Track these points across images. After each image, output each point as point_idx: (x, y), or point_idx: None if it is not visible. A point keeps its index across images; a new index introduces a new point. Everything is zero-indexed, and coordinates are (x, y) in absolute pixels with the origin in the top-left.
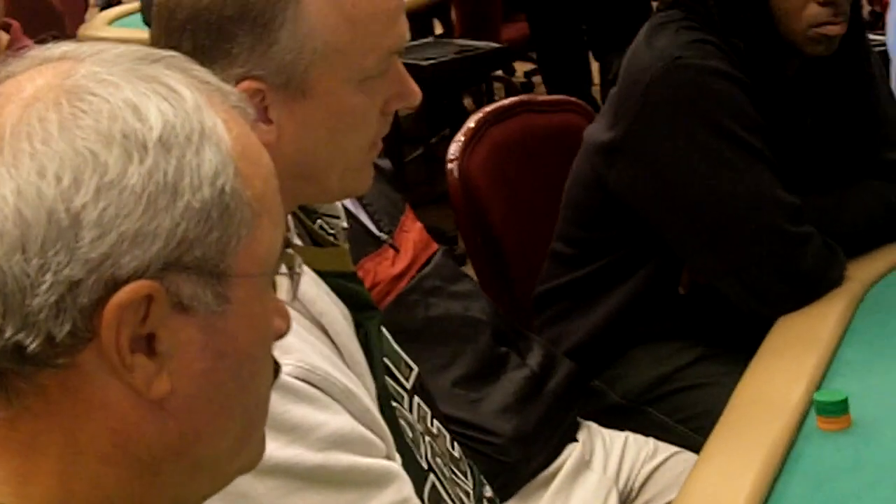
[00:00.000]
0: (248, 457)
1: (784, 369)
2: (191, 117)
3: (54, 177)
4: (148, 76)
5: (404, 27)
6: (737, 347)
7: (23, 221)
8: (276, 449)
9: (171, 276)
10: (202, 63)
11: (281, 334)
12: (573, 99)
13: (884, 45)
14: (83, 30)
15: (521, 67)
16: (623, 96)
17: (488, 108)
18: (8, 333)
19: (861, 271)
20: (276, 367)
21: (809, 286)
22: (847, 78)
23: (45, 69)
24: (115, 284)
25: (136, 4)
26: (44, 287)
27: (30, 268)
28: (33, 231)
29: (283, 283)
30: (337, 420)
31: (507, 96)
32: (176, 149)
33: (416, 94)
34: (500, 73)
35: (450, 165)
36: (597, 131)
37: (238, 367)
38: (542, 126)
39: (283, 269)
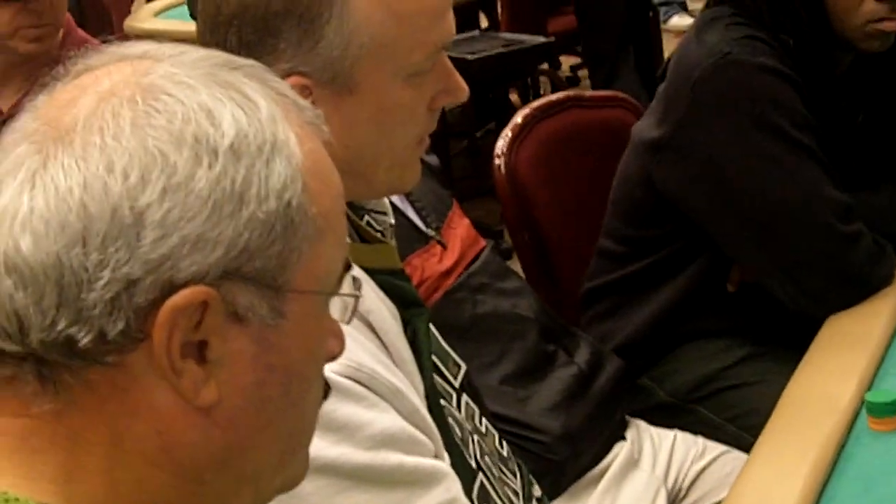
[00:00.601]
0: (289, 475)
1: (834, 369)
2: (264, 128)
3: (122, 173)
4: (226, 83)
5: (451, 22)
6: (786, 345)
7: (86, 215)
8: (324, 448)
9: (229, 285)
10: (248, 58)
11: (333, 356)
12: (621, 95)
13: None
14: (129, 21)
15: (566, 61)
16: (672, 93)
17: (536, 104)
18: (60, 325)
19: None
20: (326, 389)
21: (859, 285)
22: None
23: (124, 66)
24: (171, 287)
25: None
26: (101, 283)
27: (88, 262)
28: (96, 225)
29: (337, 303)
30: (384, 419)
31: (552, 90)
32: (246, 157)
33: (463, 90)
34: (545, 66)
35: (497, 161)
36: (645, 128)
37: (287, 383)
38: (589, 122)
39: (344, 289)
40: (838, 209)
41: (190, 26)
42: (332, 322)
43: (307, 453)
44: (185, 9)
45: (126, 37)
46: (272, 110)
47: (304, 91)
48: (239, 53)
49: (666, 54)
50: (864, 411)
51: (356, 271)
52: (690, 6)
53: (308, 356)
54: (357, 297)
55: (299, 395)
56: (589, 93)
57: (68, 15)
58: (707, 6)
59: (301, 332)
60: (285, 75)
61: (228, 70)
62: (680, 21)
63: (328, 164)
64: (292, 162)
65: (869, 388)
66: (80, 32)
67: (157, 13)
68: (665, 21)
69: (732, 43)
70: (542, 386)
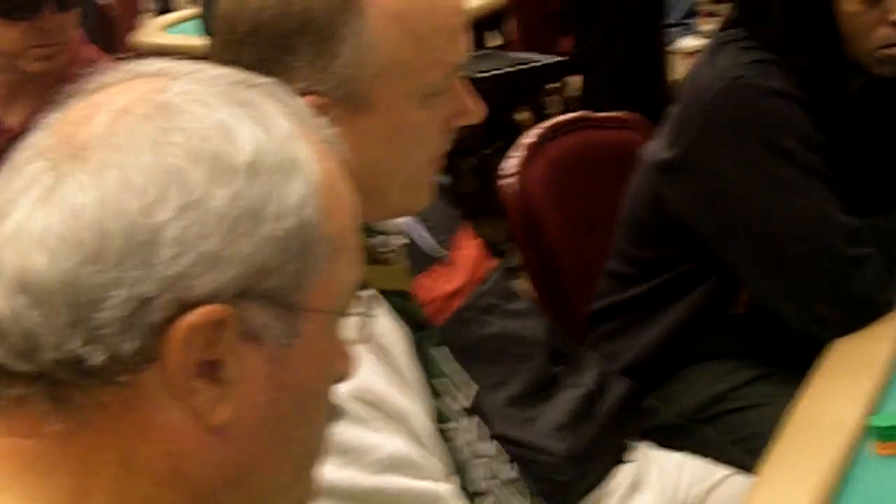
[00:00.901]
0: (301, 494)
1: (839, 392)
2: (282, 146)
3: (138, 190)
4: (243, 100)
5: (466, 42)
6: (795, 368)
7: (102, 232)
8: (331, 470)
9: (244, 304)
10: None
11: (344, 377)
12: (631, 116)
13: None
14: (141, 36)
15: (574, 81)
16: (683, 115)
17: (546, 124)
18: (73, 344)
19: None
20: (336, 410)
21: (865, 308)
22: None
23: (140, 83)
24: (186, 305)
25: (190, 11)
26: (115, 301)
27: (103, 280)
28: (112, 243)
29: (351, 323)
30: (392, 442)
31: (560, 109)
32: (264, 175)
33: (477, 111)
34: (556, 85)
35: (507, 180)
36: (656, 149)
37: (300, 403)
38: (599, 142)
39: (357, 309)
40: (846, 233)
41: (200, 41)
42: (343, 342)
43: (318, 473)
44: (195, 23)
45: (140, 54)
46: (289, 128)
47: (320, 110)
48: (254, 71)
49: (675, 76)
50: (868, 435)
51: (369, 291)
52: (700, 27)
53: (321, 375)
54: (371, 317)
55: (312, 415)
56: (599, 113)
57: (77, 31)
58: (721, 29)
59: (314, 352)
60: (300, 94)
61: (245, 88)
62: (689, 42)
63: (344, 182)
64: (309, 180)
65: (874, 413)
66: (90, 50)
67: (167, 27)
68: (674, 42)
69: (745, 66)
70: (548, 406)
